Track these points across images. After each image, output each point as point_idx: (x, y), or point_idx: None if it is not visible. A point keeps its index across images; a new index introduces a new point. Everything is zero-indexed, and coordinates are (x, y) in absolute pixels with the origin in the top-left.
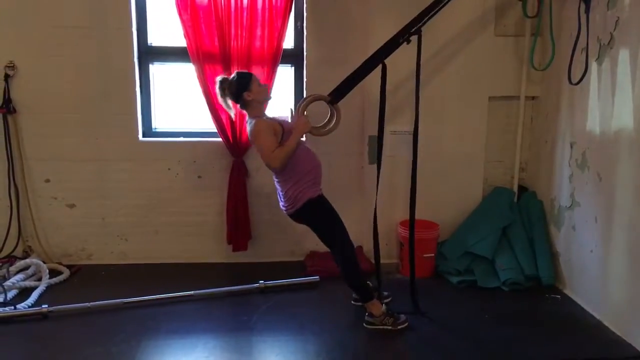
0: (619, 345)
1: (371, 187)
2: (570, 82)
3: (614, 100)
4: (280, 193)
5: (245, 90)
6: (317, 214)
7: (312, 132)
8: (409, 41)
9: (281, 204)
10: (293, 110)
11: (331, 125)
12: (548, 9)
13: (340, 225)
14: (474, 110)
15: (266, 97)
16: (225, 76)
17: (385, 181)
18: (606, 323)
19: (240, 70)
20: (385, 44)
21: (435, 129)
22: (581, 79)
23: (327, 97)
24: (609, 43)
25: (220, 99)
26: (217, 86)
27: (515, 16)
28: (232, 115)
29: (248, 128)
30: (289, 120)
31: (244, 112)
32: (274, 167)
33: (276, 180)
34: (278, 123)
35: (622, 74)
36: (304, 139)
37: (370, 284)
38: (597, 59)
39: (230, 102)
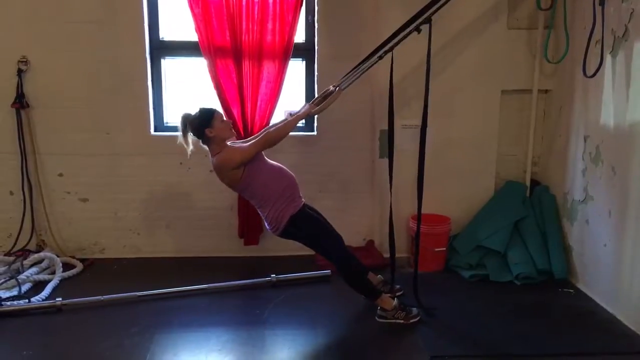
0: (632, 339)
1: (382, 182)
2: (585, 75)
3: (629, 93)
4: (263, 217)
5: (207, 127)
6: (303, 229)
7: (311, 112)
8: (419, 30)
9: (267, 227)
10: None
11: (325, 101)
12: (562, 1)
13: (329, 233)
14: (486, 103)
15: (229, 135)
16: (188, 112)
17: (395, 175)
18: (620, 317)
19: (203, 107)
20: (395, 32)
21: (446, 122)
22: (596, 72)
23: (333, 88)
24: (623, 35)
25: (180, 136)
26: (180, 122)
27: (529, 9)
28: (189, 153)
29: (214, 163)
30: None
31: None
32: (272, 145)
33: (255, 206)
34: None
35: (636, 67)
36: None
37: (382, 277)
38: (611, 52)
39: (190, 139)
